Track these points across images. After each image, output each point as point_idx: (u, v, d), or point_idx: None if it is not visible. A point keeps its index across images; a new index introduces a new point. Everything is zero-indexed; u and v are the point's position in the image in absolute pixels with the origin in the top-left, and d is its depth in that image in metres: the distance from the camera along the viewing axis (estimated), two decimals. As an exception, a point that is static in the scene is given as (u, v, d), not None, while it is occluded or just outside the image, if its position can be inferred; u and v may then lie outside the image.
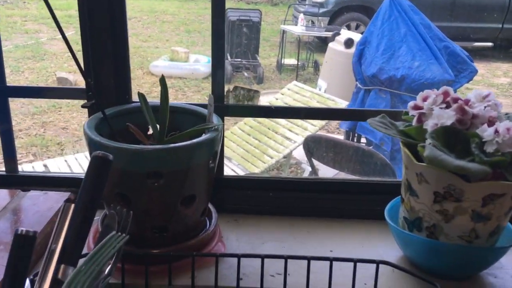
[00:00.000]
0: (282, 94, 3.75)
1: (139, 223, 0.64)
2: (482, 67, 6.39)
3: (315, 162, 2.72)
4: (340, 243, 0.77)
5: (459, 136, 0.62)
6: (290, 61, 5.99)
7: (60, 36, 0.63)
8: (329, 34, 5.45)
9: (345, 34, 4.98)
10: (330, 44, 5.06)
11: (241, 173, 2.98)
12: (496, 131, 0.59)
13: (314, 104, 3.46)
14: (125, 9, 0.77)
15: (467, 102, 0.64)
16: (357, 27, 6.65)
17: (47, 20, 6.67)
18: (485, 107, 0.65)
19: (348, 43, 4.70)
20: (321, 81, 5.03)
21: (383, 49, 3.47)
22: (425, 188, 0.63)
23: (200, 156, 0.64)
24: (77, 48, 0.71)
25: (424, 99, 0.66)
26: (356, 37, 4.56)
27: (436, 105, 0.65)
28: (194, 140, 0.64)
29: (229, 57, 5.56)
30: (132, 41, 6.90)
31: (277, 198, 0.84)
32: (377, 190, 0.84)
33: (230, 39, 5.64)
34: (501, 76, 6.13)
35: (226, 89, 0.81)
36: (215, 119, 0.69)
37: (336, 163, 2.63)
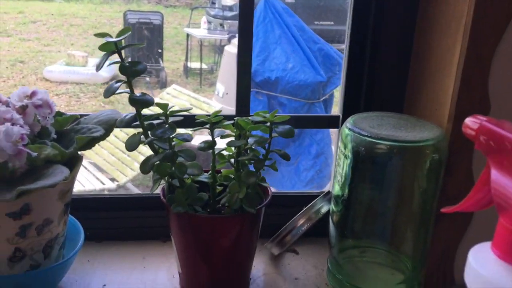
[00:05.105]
0: (161, 99, 3.67)
1: None
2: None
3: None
4: None
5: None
6: (197, 64, 5.92)
7: None
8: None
9: (240, 37, 4.96)
10: (226, 47, 5.02)
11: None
12: (-13, 136, 0.52)
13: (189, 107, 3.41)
14: None
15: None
16: (266, 30, 6.71)
17: None
18: (24, 106, 0.59)
19: (242, 46, 4.69)
20: (219, 85, 4.98)
21: (258, 51, 3.45)
22: None
23: None
24: None
25: None
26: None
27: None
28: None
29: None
30: (32, 46, 6.61)
31: None
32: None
33: (130, 42, 5.50)
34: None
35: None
36: None
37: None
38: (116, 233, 0.79)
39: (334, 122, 0.79)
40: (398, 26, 0.72)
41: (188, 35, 5.85)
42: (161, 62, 5.59)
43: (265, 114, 0.59)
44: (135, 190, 3.00)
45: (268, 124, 0.59)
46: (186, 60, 5.87)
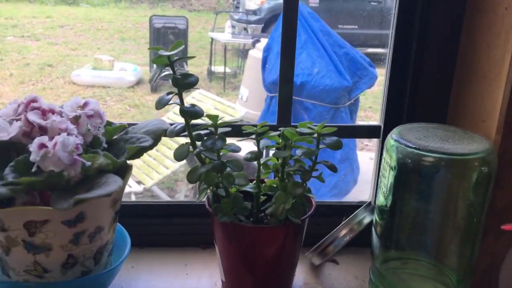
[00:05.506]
0: (186, 103, 3.70)
1: None
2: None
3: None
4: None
5: (24, 152, 0.56)
6: (221, 68, 5.97)
7: None
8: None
9: (265, 41, 4.97)
10: (251, 52, 5.04)
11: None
12: (43, 146, 0.54)
13: (213, 112, 3.43)
14: None
15: (45, 111, 0.59)
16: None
17: None
18: (77, 116, 0.60)
19: (266, 50, 4.69)
20: (243, 89, 5.01)
21: (283, 56, 3.45)
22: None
23: None
24: None
25: (9, 109, 0.60)
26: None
27: (16, 116, 0.59)
28: None
29: (155, 65, 5.48)
30: (60, 50, 6.75)
31: None
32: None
33: (153, 45, 5.58)
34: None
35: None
36: None
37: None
38: (157, 240, 0.80)
39: (375, 132, 0.79)
40: (443, 35, 0.72)
41: (212, 39, 5.90)
42: (185, 66, 5.65)
43: (312, 125, 0.60)
44: (161, 193, 3.03)
45: (316, 135, 0.59)
46: (210, 64, 5.92)
